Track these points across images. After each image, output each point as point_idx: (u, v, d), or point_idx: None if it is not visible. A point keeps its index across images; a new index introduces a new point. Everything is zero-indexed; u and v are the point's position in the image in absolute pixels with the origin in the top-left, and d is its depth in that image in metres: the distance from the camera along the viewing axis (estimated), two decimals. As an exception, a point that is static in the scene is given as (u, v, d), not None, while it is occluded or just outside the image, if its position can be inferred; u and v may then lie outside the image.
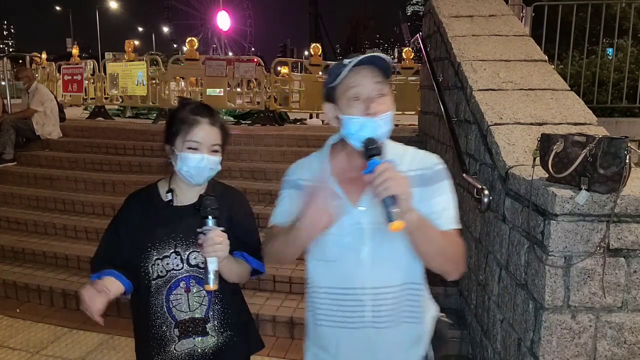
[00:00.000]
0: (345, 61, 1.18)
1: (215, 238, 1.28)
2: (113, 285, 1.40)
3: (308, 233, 1.17)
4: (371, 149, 1.15)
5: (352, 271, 1.25)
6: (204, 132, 1.40)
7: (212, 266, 1.28)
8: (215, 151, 1.42)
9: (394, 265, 1.26)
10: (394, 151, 1.29)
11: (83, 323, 3.32)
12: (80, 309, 1.34)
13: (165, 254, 1.43)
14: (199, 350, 1.48)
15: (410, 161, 1.29)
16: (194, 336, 1.47)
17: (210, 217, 1.31)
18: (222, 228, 1.32)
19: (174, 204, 1.47)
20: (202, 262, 1.41)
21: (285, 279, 3.48)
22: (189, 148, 1.38)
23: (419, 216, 1.15)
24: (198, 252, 1.43)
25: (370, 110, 1.18)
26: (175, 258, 1.43)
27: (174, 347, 1.46)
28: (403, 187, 1.10)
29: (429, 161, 1.30)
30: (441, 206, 1.26)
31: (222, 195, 1.47)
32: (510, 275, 2.09)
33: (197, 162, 1.39)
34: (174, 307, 1.45)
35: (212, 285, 1.28)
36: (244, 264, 1.47)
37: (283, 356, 2.93)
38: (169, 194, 1.47)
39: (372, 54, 1.19)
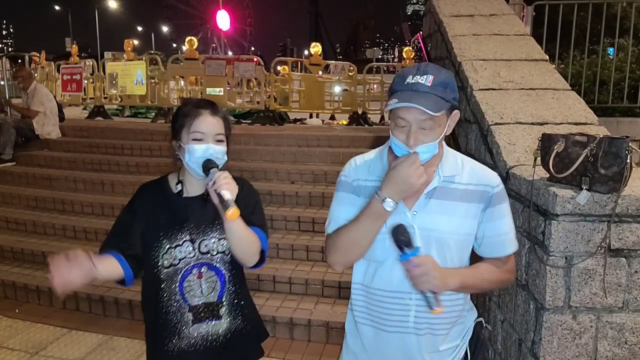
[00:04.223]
0: (393, 101, 1.20)
1: (223, 174, 1.35)
2: (105, 264, 1.38)
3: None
4: (401, 241, 1.21)
5: (400, 273, 1.26)
6: (207, 122, 1.43)
7: (227, 195, 1.32)
8: (220, 141, 1.45)
9: None
10: (453, 163, 1.31)
11: (82, 324, 3.31)
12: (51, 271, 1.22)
13: (177, 243, 1.48)
14: (212, 335, 1.53)
15: (469, 175, 1.31)
16: (207, 320, 1.51)
17: (213, 167, 1.38)
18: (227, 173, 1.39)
19: (184, 195, 1.51)
20: (213, 250, 1.49)
21: (285, 279, 3.47)
22: (194, 139, 1.42)
23: (457, 282, 1.24)
24: (209, 239, 1.49)
25: (409, 143, 1.20)
26: (189, 246, 1.48)
27: (188, 331, 1.51)
28: (434, 282, 1.18)
29: (491, 179, 1.31)
30: (503, 229, 1.31)
31: None
32: (510, 275, 2.09)
33: (203, 152, 1.41)
34: (187, 292, 1.49)
35: (233, 210, 1.30)
36: (253, 234, 1.47)
37: (283, 357, 2.92)
38: (179, 185, 1.52)
39: (413, 105, 1.17)
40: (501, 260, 1.34)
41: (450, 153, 1.34)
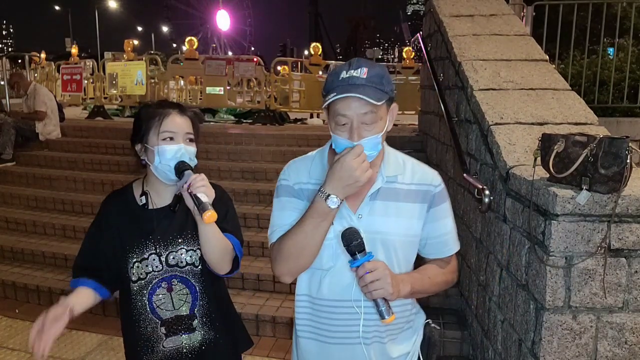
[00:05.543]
0: (330, 96, 1.15)
1: (199, 177, 1.30)
2: (80, 299, 1.41)
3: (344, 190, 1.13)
4: (354, 246, 1.14)
5: (348, 281, 1.21)
6: (176, 122, 1.38)
7: (205, 198, 1.27)
8: (191, 140, 1.40)
9: None
10: (395, 163, 1.28)
11: (82, 324, 3.31)
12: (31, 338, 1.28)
13: (143, 257, 1.43)
14: (186, 347, 1.48)
15: (411, 174, 1.29)
16: (180, 333, 1.47)
17: (186, 170, 1.32)
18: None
19: (149, 207, 1.45)
20: (181, 261, 1.44)
21: (285, 279, 3.47)
22: (164, 140, 1.35)
23: (408, 289, 1.20)
24: (177, 251, 1.44)
25: (353, 139, 1.16)
26: (155, 260, 1.43)
27: (162, 345, 1.46)
28: (389, 289, 1.13)
29: (432, 178, 1.30)
30: (446, 229, 1.31)
31: None
32: (511, 275, 2.09)
33: (175, 153, 1.34)
34: (157, 307, 1.45)
35: (211, 212, 1.24)
36: (227, 240, 1.41)
37: (283, 357, 2.93)
38: (143, 198, 1.45)
39: (352, 94, 1.12)
40: (444, 261, 1.34)
41: (391, 152, 1.31)
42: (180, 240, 1.44)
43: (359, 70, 1.16)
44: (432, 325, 1.41)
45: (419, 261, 1.36)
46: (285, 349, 3.00)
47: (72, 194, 4.92)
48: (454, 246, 1.34)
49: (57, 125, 6.06)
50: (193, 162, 1.38)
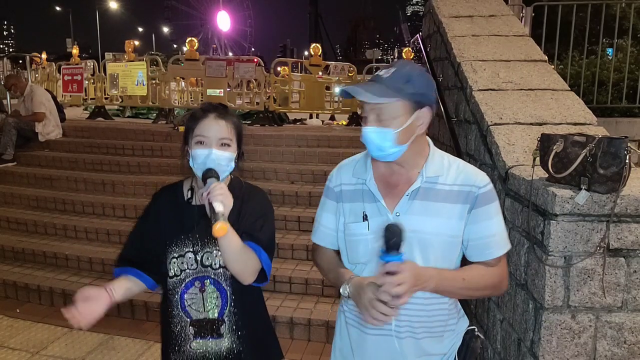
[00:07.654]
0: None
1: (219, 185, 1.29)
2: (122, 287, 1.43)
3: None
4: (392, 242, 1.12)
5: None
6: (210, 126, 1.37)
7: (219, 207, 1.25)
8: (225, 145, 1.38)
9: None
10: (439, 164, 1.28)
11: (83, 323, 3.32)
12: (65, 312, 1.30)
13: (180, 253, 1.44)
14: (213, 353, 1.46)
15: (455, 175, 1.27)
16: (208, 337, 1.46)
17: (211, 177, 1.33)
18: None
19: (193, 203, 1.47)
20: (215, 263, 1.44)
21: (285, 279, 3.48)
22: (197, 143, 1.37)
23: (434, 285, 1.19)
24: (211, 252, 1.43)
25: (364, 123, 1.24)
26: (191, 258, 1.44)
27: (189, 346, 1.46)
28: (411, 290, 1.13)
29: (476, 179, 1.27)
30: (489, 231, 1.26)
31: (240, 192, 1.45)
32: (510, 275, 2.10)
33: (205, 157, 1.34)
34: (189, 305, 1.45)
35: (220, 224, 1.22)
36: (250, 252, 1.38)
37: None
38: (189, 192, 1.47)
39: (359, 89, 1.19)
40: (488, 264, 1.28)
41: (437, 154, 1.31)
42: (216, 241, 1.41)
43: (389, 70, 1.22)
44: (477, 333, 1.40)
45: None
46: (286, 349, 3.01)
47: (72, 194, 4.92)
48: (498, 250, 1.27)
49: (56, 126, 6.05)
50: (225, 168, 1.37)
